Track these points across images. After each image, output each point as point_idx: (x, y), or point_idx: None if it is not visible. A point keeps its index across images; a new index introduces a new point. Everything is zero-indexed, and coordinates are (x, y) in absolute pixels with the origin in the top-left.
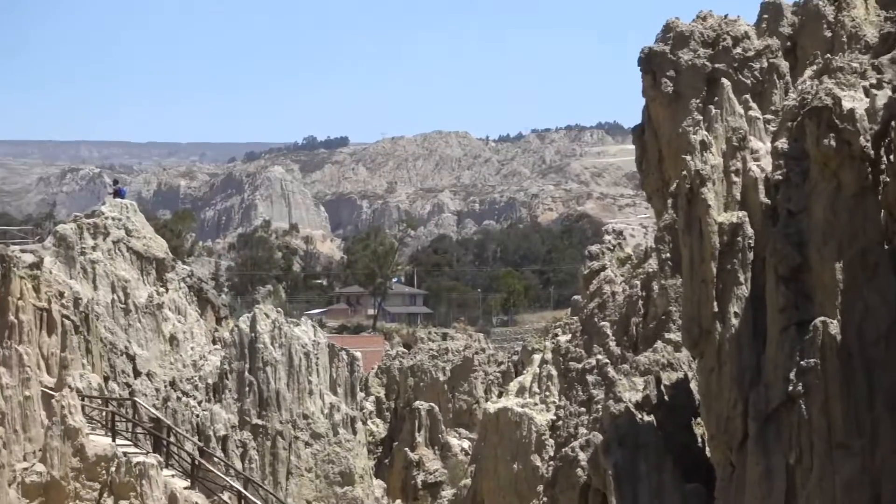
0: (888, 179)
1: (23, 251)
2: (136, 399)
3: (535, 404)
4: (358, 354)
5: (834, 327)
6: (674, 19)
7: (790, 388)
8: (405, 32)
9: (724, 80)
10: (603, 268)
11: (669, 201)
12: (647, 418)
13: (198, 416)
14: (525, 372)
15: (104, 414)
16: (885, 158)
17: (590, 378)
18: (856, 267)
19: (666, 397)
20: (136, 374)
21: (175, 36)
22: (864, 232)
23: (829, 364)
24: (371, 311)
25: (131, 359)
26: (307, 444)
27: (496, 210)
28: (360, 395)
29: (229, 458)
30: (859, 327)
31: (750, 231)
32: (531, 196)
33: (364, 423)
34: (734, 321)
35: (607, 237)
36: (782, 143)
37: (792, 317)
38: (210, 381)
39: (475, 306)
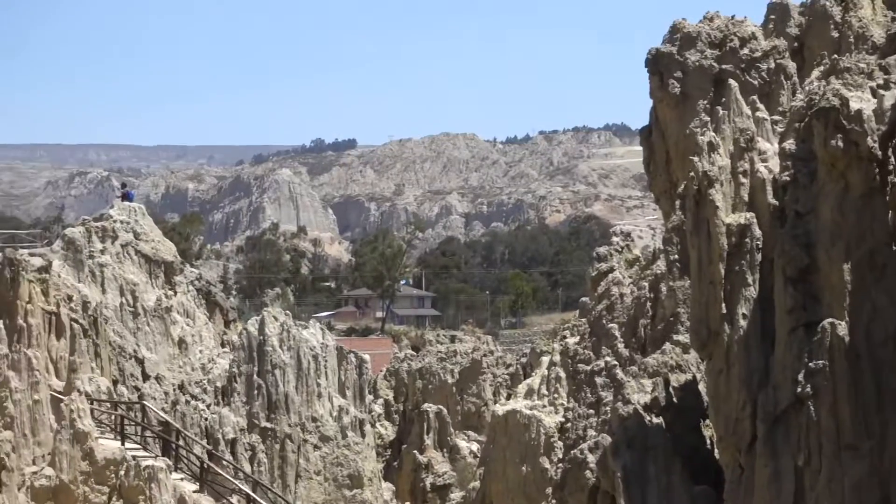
0: None
1: (31, 255)
2: (144, 402)
3: (544, 406)
4: (366, 357)
5: (842, 329)
6: (681, 20)
7: (798, 389)
8: (412, 34)
9: (732, 81)
10: (611, 269)
11: (677, 203)
12: (655, 420)
13: (206, 419)
14: (533, 374)
15: (113, 417)
16: (892, 159)
17: (598, 380)
18: (864, 268)
19: (674, 399)
20: (145, 377)
21: (183, 39)
22: (871, 233)
23: (838, 365)
24: (379, 314)
25: (140, 362)
26: (316, 446)
27: (504, 212)
28: (369, 397)
29: (238, 462)
30: (867, 328)
31: (758, 232)
32: (539, 198)
33: (373, 425)
34: (742, 323)
35: (615, 239)
36: (790, 144)
37: (800, 318)
38: (219, 384)
39: (483, 308)
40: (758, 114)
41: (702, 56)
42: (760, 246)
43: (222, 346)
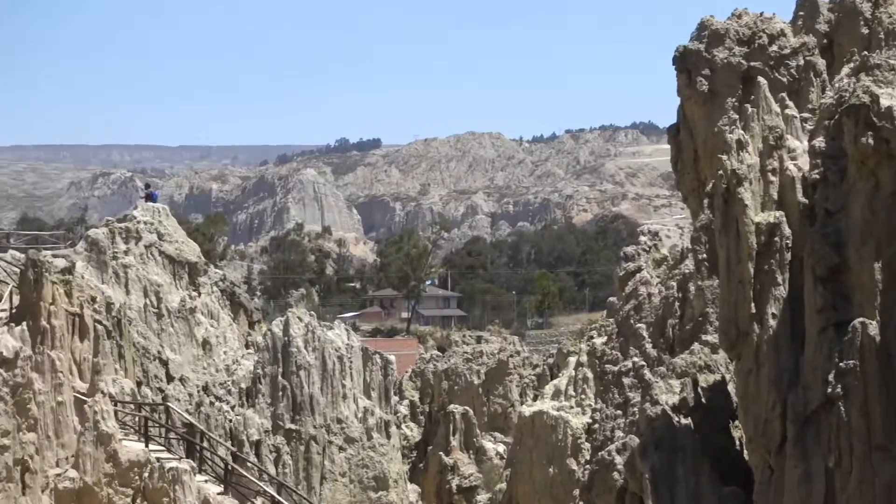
0: None
1: (55, 256)
2: (168, 404)
3: (571, 407)
4: (392, 358)
5: (873, 328)
6: (709, 17)
7: (829, 389)
8: (438, 33)
9: (760, 79)
10: (639, 269)
11: (705, 201)
12: (684, 421)
13: (231, 420)
14: (560, 375)
15: (137, 419)
16: None
17: (626, 381)
18: (894, 266)
19: (703, 400)
20: (169, 378)
21: (207, 39)
22: None
23: (868, 365)
24: (405, 314)
25: (164, 363)
26: (341, 448)
27: (530, 211)
28: (394, 398)
29: (263, 464)
30: None
31: (787, 231)
32: (565, 197)
33: (398, 427)
34: (772, 322)
35: (643, 238)
36: (819, 142)
37: (830, 318)
38: (243, 385)
39: (510, 309)
40: (787, 111)
41: (730, 53)
42: (790, 245)
43: (247, 347)
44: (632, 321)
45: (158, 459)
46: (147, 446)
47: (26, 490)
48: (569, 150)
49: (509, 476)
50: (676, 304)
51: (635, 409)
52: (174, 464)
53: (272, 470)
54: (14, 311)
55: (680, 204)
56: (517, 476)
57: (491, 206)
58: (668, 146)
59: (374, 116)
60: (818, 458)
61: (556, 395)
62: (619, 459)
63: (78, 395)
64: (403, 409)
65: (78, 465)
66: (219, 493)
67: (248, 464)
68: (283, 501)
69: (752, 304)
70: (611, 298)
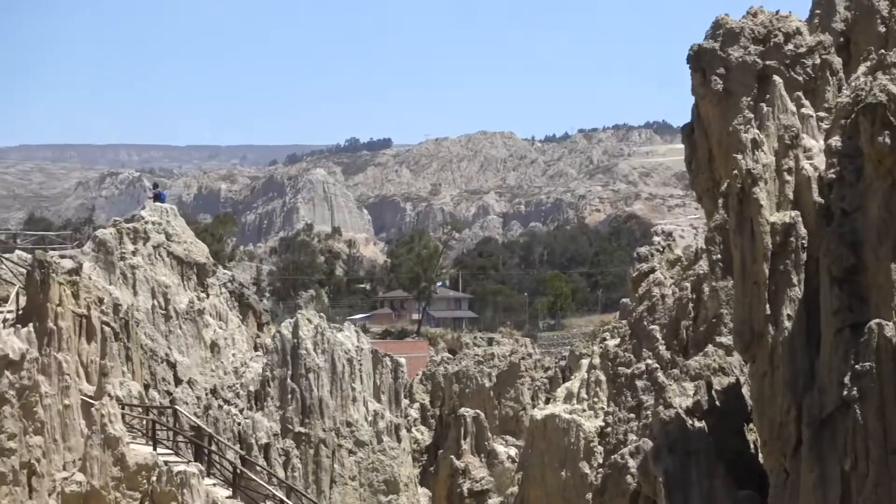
0: None
1: (62, 257)
2: (176, 407)
3: (584, 410)
4: (402, 360)
5: (890, 329)
6: (723, 16)
7: (845, 392)
8: (447, 31)
9: (776, 78)
10: (652, 270)
11: (720, 201)
12: (697, 424)
13: (239, 423)
14: (573, 377)
15: (145, 422)
16: None
17: (639, 383)
18: None
19: (717, 402)
20: (177, 381)
21: (215, 38)
22: None
23: (885, 367)
24: (415, 316)
25: (172, 366)
26: (351, 452)
27: (542, 212)
28: (405, 401)
29: (272, 467)
30: None
31: (803, 231)
32: (578, 197)
33: (408, 430)
34: (787, 324)
35: (656, 238)
36: (836, 141)
37: (846, 319)
38: (252, 388)
39: (521, 310)
40: (803, 110)
41: (745, 52)
42: (805, 245)
43: (255, 349)
44: (645, 323)
45: (166, 463)
46: (155, 450)
47: (33, 494)
48: (581, 149)
49: (521, 480)
50: (690, 305)
51: (648, 412)
52: (182, 467)
53: (281, 474)
54: (20, 312)
55: (694, 204)
56: (529, 480)
57: (503, 206)
58: (682, 146)
59: (384, 116)
60: (834, 461)
61: (569, 397)
62: (632, 463)
63: (85, 397)
64: (414, 413)
65: (85, 468)
66: (227, 498)
67: (257, 467)
68: None
69: (767, 306)
70: (624, 300)
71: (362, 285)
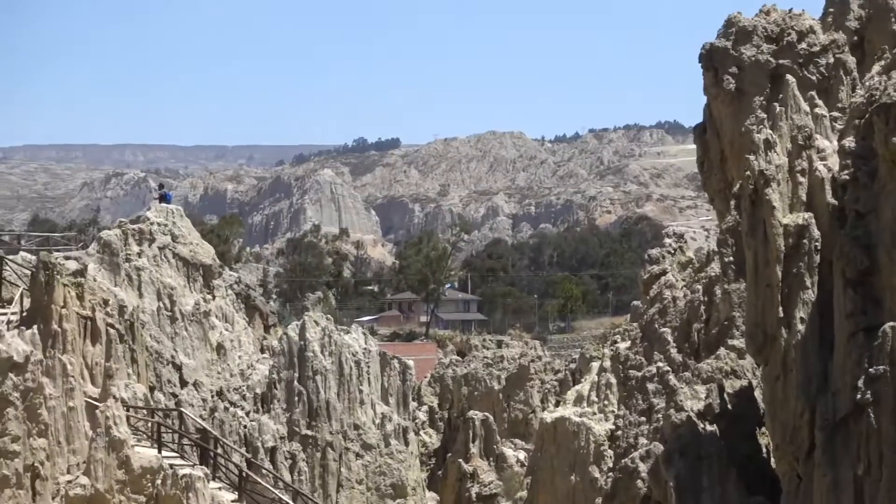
0: None
1: (66, 258)
2: (182, 409)
3: (594, 414)
4: (410, 363)
5: None
6: (736, 14)
7: (858, 396)
8: (457, 30)
9: (789, 77)
10: (663, 272)
11: (732, 203)
12: (709, 428)
13: (245, 426)
14: (583, 380)
15: (150, 425)
16: None
17: (650, 386)
18: None
19: (729, 406)
20: (183, 383)
21: (222, 37)
22: None
23: None
24: (424, 318)
25: (177, 368)
26: (358, 455)
27: (552, 213)
28: (413, 404)
29: (278, 470)
30: None
31: (816, 233)
32: (589, 198)
33: (416, 433)
34: (800, 327)
35: (668, 240)
36: (849, 142)
37: (860, 322)
38: (258, 390)
39: (531, 312)
40: (816, 110)
41: (758, 51)
42: (819, 247)
43: (262, 351)
44: (656, 325)
45: (171, 466)
46: (160, 452)
47: (37, 497)
48: (592, 150)
49: (530, 484)
50: (702, 307)
51: (659, 415)
52: (187, 470)
53: (288, 477)
54: (25, 314)
55: (706, 205)
56: (538, 484)
57: (512, 207)
58: (694, 146)
59: (392, 115)
60: (847, 466)
61: (579, 401)
62: (642, 467)
63: (89, 400)
64: (422, 416)
65: (89, 471)
66: (233, 501)
67: (263, 471)
68: None
69: (780, 308)
70: (635, 302)
71: (370, 287)
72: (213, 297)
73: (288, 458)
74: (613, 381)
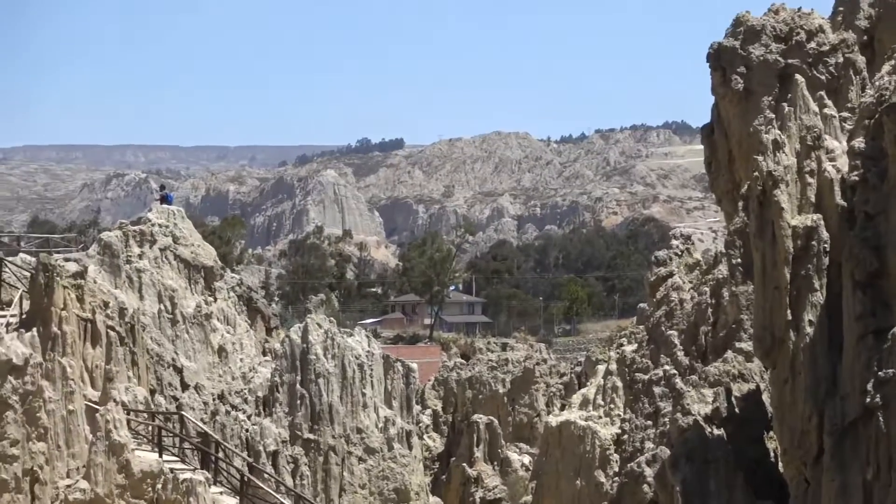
0: None
1: (66, 260)
2: (183, 413)
3: (600, 417)
4: (414, 366)
5: None
6: (744, 13)
7: (867, 399)
8: (462, 30)
9: (798, 77)
10: (670, 274)
11: (740, 204)
12: (716, 432)
13: (247, 430)
14: (589, 383)
15: (150, 428)
16: None
17: (656, 390)
18: None
19: (736, 410)
20: (184, 386)
21: (224, 36)
22: None
23: None
24: (428, 321)
25: (178, 371)
26: (361, 459)
27: (558, 214)
28: (416, 408)
29: (280, 475)
30: None
31: (825, 235)
32: (595, 199)
33: (420, 437)
34: (809, 329)
35: (675, 242)
36: (859, 142)
37: (869, 325)
38: (260, 394)
39: (536, 315)
40: (825, 110)
41: (767, 50)
42: (828, 249)
43: (264, 354)
44: (663, 328)
45: (172, 470)
46: (160, 456)
47: (36, 501)
48: (598, 150)
49: (535, 489)
50: (709, 310)
51: (666, 419)
52: (188, 475)
53: (290, 481)
54: (24, 316)
55: (713, 206)
56: (543, 488)
57: (517, 208)
58: (702, 146)
59: (396, 116)
60: (856, 470)
61: (584, 404)
62: (648, 471)
63: (89, 403)
64: (426, 419)
65: (89, 475)
66: None
67: (265, 475)
68: None
69: (788, 311)
70: (641, 304)
71: (373, 289)
72: (215, 300)
73: (290, 463)
74: (619, 384)
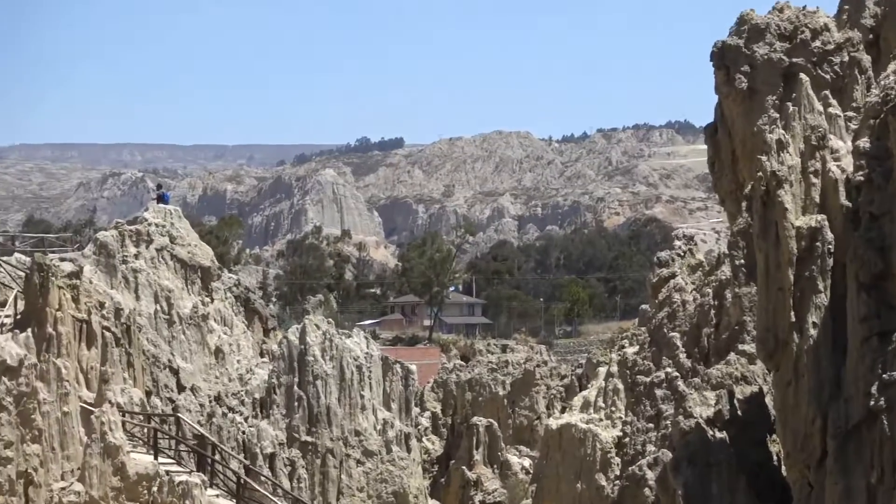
0: None
1: (61, 260)
2: (179, 415)
3: (601, 420)
4: (413, 367)
5: None
6: (749, 11)
7: (872, 402)
8: (462, 28)
9: (803, 76)
10: (672, 275)
11: (744, 204)
12: (718, 435)
13: (244, 432)
14: (590, 386)
15: (146, 431)
16: None
17: (658, 392)
18: None
19: (739, 412)
20: (180, 388)
21: (222, 33)
22: None
23: None
24: (427, 322)
25: (175, 372)
26: (359, 462)
27: (559, 214)
28: (415, 410)
29: (277, 478)
30: None
31: (829, 236)
32: (596, 199)
33: (419, 440)
34: (812, 331)
35: (677, 243)
36: (864, 142)
37: (874, 327)
38: (257, 395)
39: (537, 316)
40: (830, 110)
41: (771, 49)
42: (832, 250)
43: (261, 355)
44: (665, 330)
45: (168, 473)
46: (156, 459)
47: None
48: (600, 150)
49: (535, 492)
50: (712, 311)
51: (668, 422)
52: (184, 477)
53: (287, 484)
54: (19, 316)
55: (717, 207)
56: (543, 492)
57: (518, 208)
58: (705, 146)
59: (396, 114)
60: (860, 474)
61: (585, 407)
62: (650, 475)
63: (84, 405)
64: (425, 422)
65: (84, 478)
66: None
67: (262, 478)
68: None
69: (792, 313)
70: (643, 306)
71: (372, 290)
72: (212, 300)
73: (287, 465)
74: (621, 386)
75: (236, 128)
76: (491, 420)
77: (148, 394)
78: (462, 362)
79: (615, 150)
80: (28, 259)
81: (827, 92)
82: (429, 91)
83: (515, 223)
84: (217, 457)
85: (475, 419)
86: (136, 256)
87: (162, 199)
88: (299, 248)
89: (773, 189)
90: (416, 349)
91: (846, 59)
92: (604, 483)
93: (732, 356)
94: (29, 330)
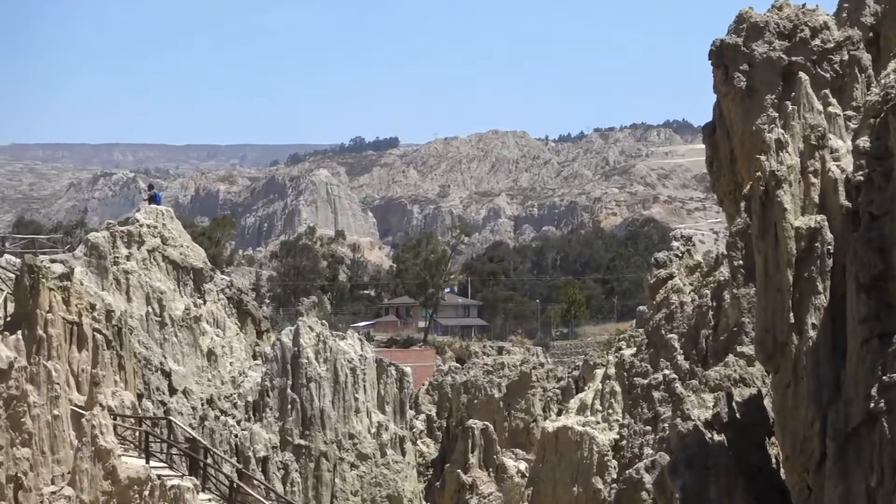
0: None
1: (52, 261)
2: (171, 418)
3: (597, 423)
4: (408, 370)
5: None
6: (747, 9)
7: (872, 405)
8: (458, 26)
9: (802, 74)
10: (670, 276)
11: (742, 204)
12: (717, 438)
13: (237, 436)
14: (586, 388)
15: (137, 434)
16: None
17: (656, 394)
18: None
19: (738, 415)
20: (172, 391)
21: (214, 33)
22: None
23: None
24: (422, 324)
25: (167, 375)
26: (353, 465)
27: (556, 215)
28: (410, 413)
29: (270, 481)
30: None
31: (829, 236)
32: (593, 200)
33: (414, 443)
34: (812, 333)
35: (675, 243)
36: (864, 142)
37: (874, 328)
38: (250, 398)
39: (533, 318)
40: (830, 109)
41: (770, 47)
42: (832, 251)
43: (254, 358)
44: (663, 331)
45: (160, 476)
46: (148, 462)
47: None
48: (597, 149)
49: (531, 495)
50: (710, 313)
51: (665, 424)
52: (176, 481)
53: (280, 488)
54: (8, 319)
55: (715, 207)
56: (539, 495)
57: (514, 208)
58: (703, 146)
59: (391, 114)
60: (859, 477)
61: (582, 409)
62: (647, 478)
63: (75, 408)
64: (419, 424)
65: (74, 482)
66: None
67: (255, 481)
68: None
69: (791, 314)
70: (640, 307)
71: (367, 291)
72: (204, 302)
73: (280, 469)
74: (618, 388)
75: (229, 127)
76: (486, 423)
77: (139, 396)
78: (457, 364)
79: (612, 150)
80: (18, 260)
81: (826, 91)
82: (424, 90)
83: (511, 224)
84: (209, 460)
85: (470, 422)
86: (128, 258)
87: (154, 199)
88: (293, 249)
89: (772, 189)
90: (410, 351)
91: (846, 57)
92: (601, 486)
93: (731, 358)
94: (19, 332)
